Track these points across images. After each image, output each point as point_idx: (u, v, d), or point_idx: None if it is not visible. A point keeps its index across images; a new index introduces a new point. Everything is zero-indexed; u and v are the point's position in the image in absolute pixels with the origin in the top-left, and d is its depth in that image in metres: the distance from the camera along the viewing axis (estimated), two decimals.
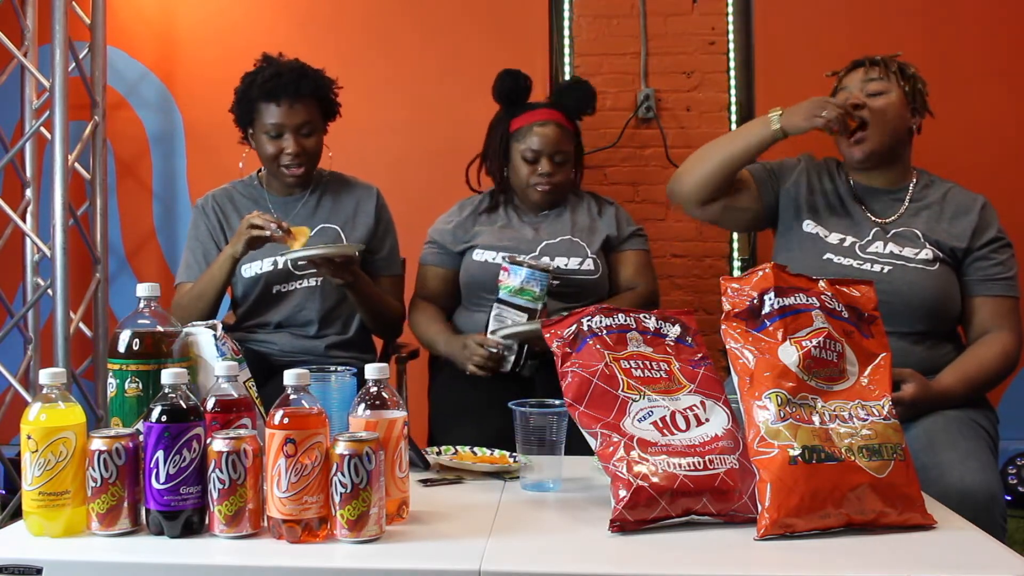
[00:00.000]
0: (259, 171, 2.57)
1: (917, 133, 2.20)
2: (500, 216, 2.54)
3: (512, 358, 2.26)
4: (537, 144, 2.45)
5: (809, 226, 2.17)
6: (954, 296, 2.08)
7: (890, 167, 2.18)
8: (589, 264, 2.43)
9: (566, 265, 2.41)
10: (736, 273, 3.31)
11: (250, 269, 2.41)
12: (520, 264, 2.25)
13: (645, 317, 1.57)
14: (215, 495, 1.31)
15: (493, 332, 2.25)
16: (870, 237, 2.12)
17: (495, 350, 2.25)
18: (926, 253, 2.07)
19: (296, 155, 2.38)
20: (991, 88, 3.18)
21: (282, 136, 2.38)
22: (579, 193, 2.60)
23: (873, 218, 2.16)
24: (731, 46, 3.31)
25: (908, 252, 2.08)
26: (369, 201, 2.54)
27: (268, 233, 2.21)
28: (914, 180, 2.19)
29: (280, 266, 2.42)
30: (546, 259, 2.38)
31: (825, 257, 2.10)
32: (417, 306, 2.52)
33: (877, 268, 2.05)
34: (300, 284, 2.43)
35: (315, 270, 2.36)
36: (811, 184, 2.22)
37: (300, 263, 2.39)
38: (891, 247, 2.09)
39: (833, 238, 2.14)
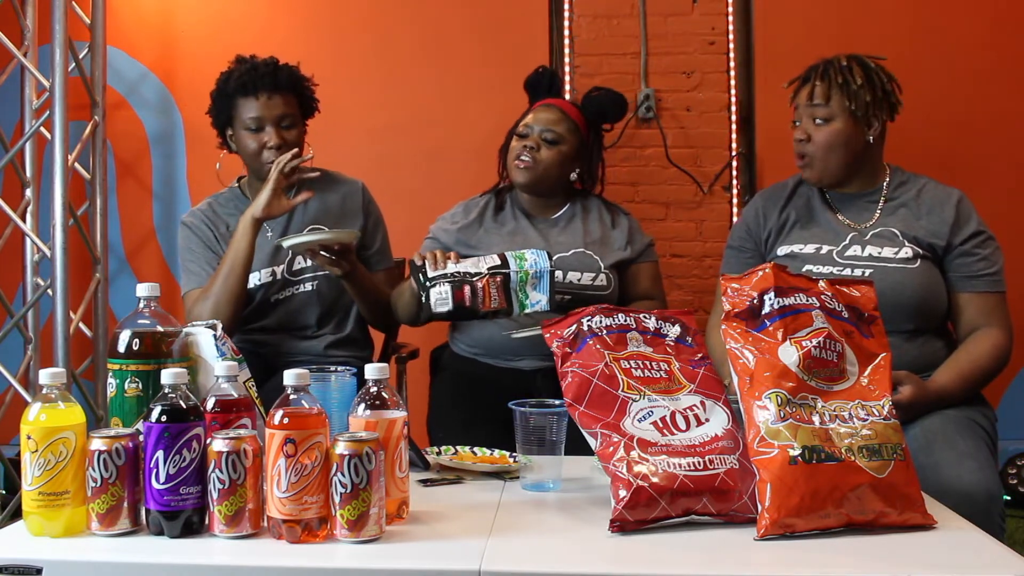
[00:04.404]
0: (239, 179, 2.53)
1: (879, 140, 2.16)
2: (508, 220, 2.46)
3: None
4: (532, 120, 2.42)
5: (783, 250, 2.17)
6: (939, 292, 2.07)
7: (856, 176, 2.17)
8: (602, 279, 2.37)
9: (579, 280, 2.34)
10: None
11: (248, 280, 2.38)
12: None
13: (645, 317, 1.58)
14: (215, 495, 1.31)
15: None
16: (847, 242, 2.12)
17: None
18: (906, 251, 2.07)
19: (278, 147, 2.33)
20: (989, 84, 3.18)
21: (263, 129, 2.34)
22: (588, 198, 2.52)
23: (848, 223, 2.15)
24: (731, 46, 3.30)
25: (888, 252, 2.07)
26: (355, 196, 2.50)
27: (297, 162, 2.26)
28: (887, 179, 2.18)
29: (278, 276, 2.40)
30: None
31: (804, 270, 2.07)
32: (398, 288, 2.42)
33: (857, 273, 2.04)
34: (297, 290, 2.41)
35: (312, 260, 2.31)
36: (768, 213, 2.24)
37: (295, 267, 2.38)
38: (870, 249, 2.09)
39: (809, 248, 2.14)
